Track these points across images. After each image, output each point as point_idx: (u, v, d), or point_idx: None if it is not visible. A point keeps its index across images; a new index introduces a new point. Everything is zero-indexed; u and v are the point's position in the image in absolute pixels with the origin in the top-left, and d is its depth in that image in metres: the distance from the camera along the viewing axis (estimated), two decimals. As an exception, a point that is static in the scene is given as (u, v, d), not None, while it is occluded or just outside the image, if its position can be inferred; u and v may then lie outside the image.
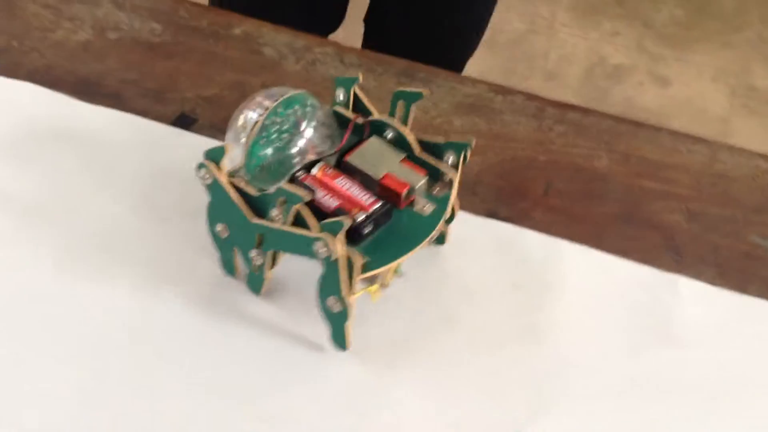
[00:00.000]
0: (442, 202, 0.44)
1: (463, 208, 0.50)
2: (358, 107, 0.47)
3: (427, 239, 0.42)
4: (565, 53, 1.74)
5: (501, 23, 1.76)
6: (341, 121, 0.47)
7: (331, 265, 0.38)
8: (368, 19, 0.95)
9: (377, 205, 0.42)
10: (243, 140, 0.44)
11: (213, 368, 0.41)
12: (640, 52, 1.76)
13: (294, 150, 0.45)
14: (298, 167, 0.44)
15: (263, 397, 0.40)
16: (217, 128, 0.52)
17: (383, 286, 0.41)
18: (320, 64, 0.59)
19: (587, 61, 1.73)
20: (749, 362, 0.44)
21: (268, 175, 0.44)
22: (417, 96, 0.45)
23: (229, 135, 0.45)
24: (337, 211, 0.41)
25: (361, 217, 0.41)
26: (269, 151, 0.44)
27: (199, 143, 0.50)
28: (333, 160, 0.45)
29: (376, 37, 0.95)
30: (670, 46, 1.78)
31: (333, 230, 0.37)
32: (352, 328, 0.41)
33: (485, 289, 0.46)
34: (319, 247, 0.37)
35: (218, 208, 0.42)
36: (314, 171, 0.44)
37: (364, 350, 0.42)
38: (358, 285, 0.39)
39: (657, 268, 0.49)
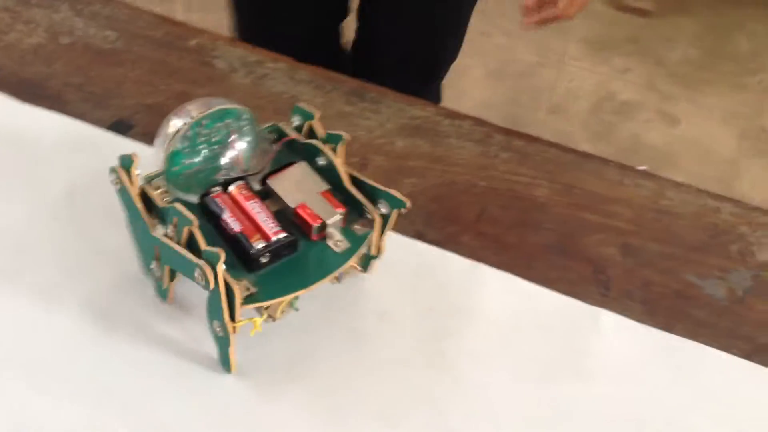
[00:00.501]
0: (358, 240, 0.42)
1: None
2: (312, 137, 0.46)
3: (329, 277, 0.41)
4: (573, 87, 1.73)
5: (511, 54, 1.76)
6: (279, 138, 0.46)
7: (213, 291, 0.37)
8: (361, 12, 0.97)
9: (281, 236, 0.40)
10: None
11: (101, 375, 0.40)
12: (650, 90, 1.75)
13: (222, 163, 0.45)
14: (217, 182, 0.43)
15: (147, 407, 0.40)
16: (153, 135, 0.52)
17: (271, 317, 0.40)
18: (269, 79, 0.59)
19: (595, 95, 1.72)
20: (661, 400, 0.43)
21: (194, 184, 0.44)
22: (338, 138, 0.44)
23: (158, 140, 0.45)
24: (238, 236, 0.40)
25: (259, 246, 0.40)
26: (196, 160, 0.44)
27: (131, 149, 0.50)
28: (257, 180, 0.44)
29: (368, 29, 0.97)
30: (681, 86, 1.77)
31: (211, 260, 0.36)
32: (234, 353, 0.40)
33: (399, 311, 0.46)
34: (198, 275, 0.37)
35: (129, 214, 0.42)
36: (231, 189, 0.43)
37: (256, 371, 0.42)
38: (243, 313, 0.38)
39: (582, 300, 0.48)
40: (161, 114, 0.55)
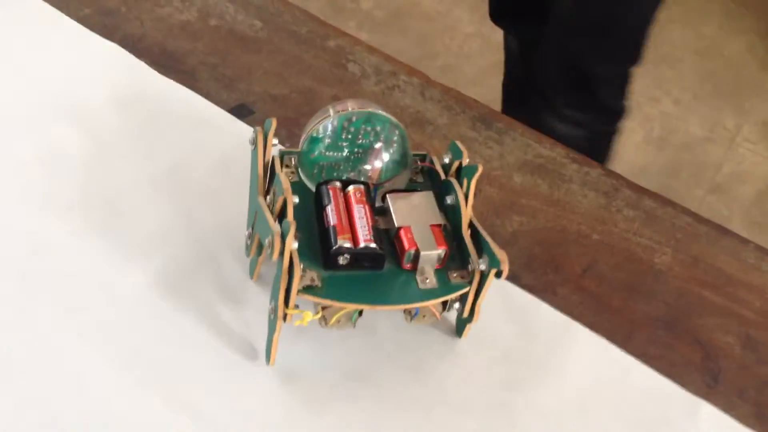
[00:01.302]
0: (448, 287, 0.39)
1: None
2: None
3: (400, 307, 0.38)
4: (741, 170, 1.61)
5: (678, 124, 1.66)
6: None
7: (277, 266, 0.36)
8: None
9: (370, 245, 0.38)
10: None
11: (152, 346, 0.40)
12: (828, 190, 1.60)
13: (359, 166, 0.43)
14: (342, 178, 0.42)
15: (184, 385, 0.38)
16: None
17: (324, 320, 0.38)
18: (399, 91, 0.57)
19: (763, 183, 1.59)
20: None
21: (325, 176, 0.43)
22: (473, 170, 0.41)
23: (308, 123, 0.44)
24: (329, 229, 0.39)
25: (344, 245, 0.38)
26: (334, 154, 0.42)
27: (246, 133, 0.50)
28: (380, 194, 0.42)
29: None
30: None
31: (284, 230, 0.35)
32: (277, 343, 0.38)
33: (473, 351, 0.42)
34: (268, 241, 0.35)
35: (251, 177, 0.41)
36: (350, 188, 0.41)
37: (301, 375, 0.40)
38: (301, 306, 0.37)
39: (683, 386, 0.42)
40: (283, 105, 0.55)
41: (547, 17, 0.99)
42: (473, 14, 1.76)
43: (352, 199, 0.40)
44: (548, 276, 0.47)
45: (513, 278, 0.46)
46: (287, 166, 0.43)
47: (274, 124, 0.40)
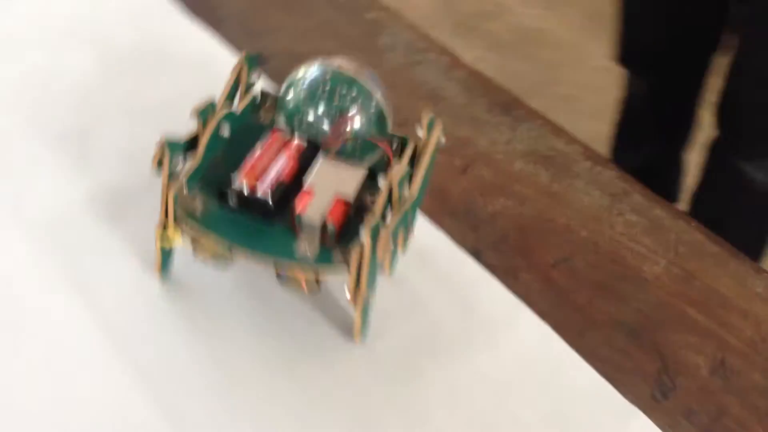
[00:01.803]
0: (320, 263, 0.36)
1: (450, 231, 0.44)
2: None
3: (262, 259, 0.36)
4: None
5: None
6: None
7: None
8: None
9: (262, 196, 0.37)
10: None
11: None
12: None
13: (324, 126, 0.41)
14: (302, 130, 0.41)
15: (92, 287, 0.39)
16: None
17: (194, 251, 0.37)
18: (423, 68, 0.57)
19: None
20: None
21: (297, 125, 0.42)
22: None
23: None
24: (240, 167, 0.38)
25: (239, 188, 0.37)
26: (309, 108, 0.41)
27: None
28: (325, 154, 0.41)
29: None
30: None
31: (170, 142, 0.36)
32: (158, 255, 0.38)
33: (402, 312, 0.40)
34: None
35: None
36: (292, 141, 0.40)
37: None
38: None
39: (622, 393, 0.39)
40: (299, 62, 0.55)
41: (690, 66, 0.96)
42: (605, 48, 1.71)
43: (283, 151, 0.40)
44: (514, 260, 0.44)
45: (475, 254, 0.44)
46: (264, 100, 0.43)
47: (261, 61, 0.40)
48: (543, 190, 0.49)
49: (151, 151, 0.37)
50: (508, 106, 0.54)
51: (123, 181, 0.44)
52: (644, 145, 1.18)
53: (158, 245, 0.38)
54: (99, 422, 0.34)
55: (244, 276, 0.41)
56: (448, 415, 0.36)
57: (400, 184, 0.36)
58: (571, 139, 0.53)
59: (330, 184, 0.38)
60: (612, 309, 0.43)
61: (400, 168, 0.37)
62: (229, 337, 0.38)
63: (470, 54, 1.70)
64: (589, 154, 0.52)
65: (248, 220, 0.37)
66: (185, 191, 0.36)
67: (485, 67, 0.55)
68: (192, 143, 0.38)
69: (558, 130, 0.53)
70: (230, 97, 0.41)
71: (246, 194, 0.37)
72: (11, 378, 0.35)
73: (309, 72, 0.42)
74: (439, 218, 0.46)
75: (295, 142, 0.40)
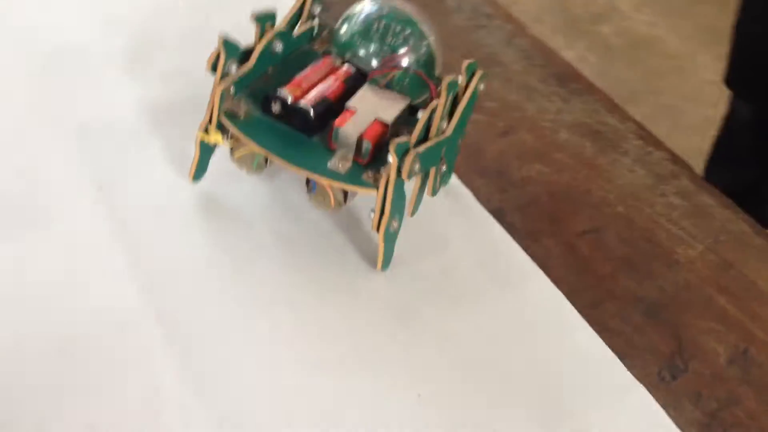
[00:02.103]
0: (350, 178, 0.36)
1: (477, 189, 0.44)
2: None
3: (296, 169, 0.36)
4: None
5: None
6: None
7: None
8: None
9: (303, 105, 0.37)
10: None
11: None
12: None
13: (374, 63, 0.41)
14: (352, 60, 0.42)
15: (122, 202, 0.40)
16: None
17: (233, 151, 0.38)
18: (485, 32, 0.56)
19: None
20: None
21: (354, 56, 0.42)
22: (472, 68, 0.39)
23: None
24: (287, 81, 0.39)
25: (283, 95, 0.37)
26: (362, 44, 0.41)
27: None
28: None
29: None
30: None
31: (227, 46, 0.36)
32: (196, 159, 0.39)
33: (411, 256, 0.40)
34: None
35: None
36: (342, 66, 0.41)
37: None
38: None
39: (627, 367, 0.37)
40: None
41: None
42: (714, 63, 1.64)
43: (332, 73, 0.40)
44: (538, 224, 0.43)
45: (497, 213, 0.43)
46: (321, 36, 0.43)
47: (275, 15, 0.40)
48: (584, 162, 0.47)
49: (205, 73, 0.38)
50: (566, 78, 0.53)
51: (173, 97, 0.46)
52: (741, 168, 1.13)
53: (198, 143, 0.39)
54: (100, 320, 0.35)
55: (276, 194, 0.41)
56: (437, 357, 0.35)
57: (438, 118, 0.36)
58: (626, 117, 0.51)
59: (371, 107, 0.38)
60: (634, 285, 0.41)
61: (439, 102, 0.36)
62: (252, 250, 0.38)
63: (571, 53, 1.66)
64: (643, 134, 0.50)
65: (288, 131, 0.37)
66: (232, 90, 0.37)
67: (585, 68, 0.53)
68: (246, 55, 0.39)
69: (613, 106, 0.51)
70: (291, 24, 0.42)
71: (289, 103, 0.37)
72: (20, 261, 0.37)
73: (365, 7, 0.42)
74: (468, 175, 0.45)
75: (345, 68, 0.40)
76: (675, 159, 0.48)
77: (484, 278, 0.39)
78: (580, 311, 0.39)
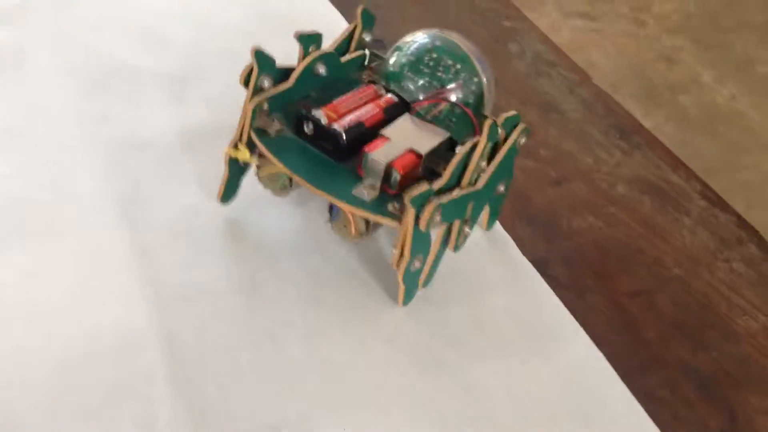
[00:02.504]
0: (374, 208, 0.33)
1: (521, 236, 0.41)
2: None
3: (319, 192, 0.34)
4: None
5: None
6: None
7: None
8: None
9: (336, 128, 0.35)
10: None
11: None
12: None
13: (424, 92, 0.40)
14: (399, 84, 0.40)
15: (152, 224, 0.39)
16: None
17: (258, 169, 0.37)
18: (547, 79, 0.54)
19: None
20: None
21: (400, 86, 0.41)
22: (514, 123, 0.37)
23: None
24: (326, 105, 0.37)
25: (317, 116, 0.35)
26: (412, 76, 0.40)
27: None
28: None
29: None
30: None
31: (259, 57, 0.36)
32: (225, 179, 0.37)
33: (445, 293, 0.37)
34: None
35: None
36: (385, 94, 0.40)
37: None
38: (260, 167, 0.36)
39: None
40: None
41: None
42: (802, 141, 1.57)
43: (373, 101, 0.38)
44: (584, 279, 0.40)
45: (541, 264, 0.40)
46: (370, 68, 0.42)
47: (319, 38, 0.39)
48: (641, 219, 0.44)
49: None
50: (628, 130, 0.50)
51: (214, 121, 0.45)
52: None
53: (226, 160, 0.37)
54: (104, 340, 0.33)
55: (303, 223, 0.40)
56: (460, 412, 0.32)
57: (476, 158, 0.34)
58: (691, 175, 0.47)
59: (407, 137, 0.36)
60: (686, 354, 0.37)
61: (480, 141, 0.34)
62: (272, 279, 0.37)
63: (648, 121, 1.62)
64: (709, 194, 0.46)
65: (318, 155, 0.36)
66: (265, 107, 0.36)
67: (662, 138, 0.51)
68: (285, 75, 0.37)
69: (677, 163, 0.48)
70: (339, 51, 0.40)
71: (322, 124, 0.35)
72: (36, 267, 0.36)
73: (418, 38, 0.40)
74: (513, 222, 0.42)
75: (387, 96, 0.39)
76: (742, 224, 0.45)
77: (520, 331, 0.36)
78: (622, 376, 0.35)
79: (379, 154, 0.34)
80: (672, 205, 0.45)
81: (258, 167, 0.37)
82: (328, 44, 0.40)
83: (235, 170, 0.38)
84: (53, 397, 0.31)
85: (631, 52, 1.79)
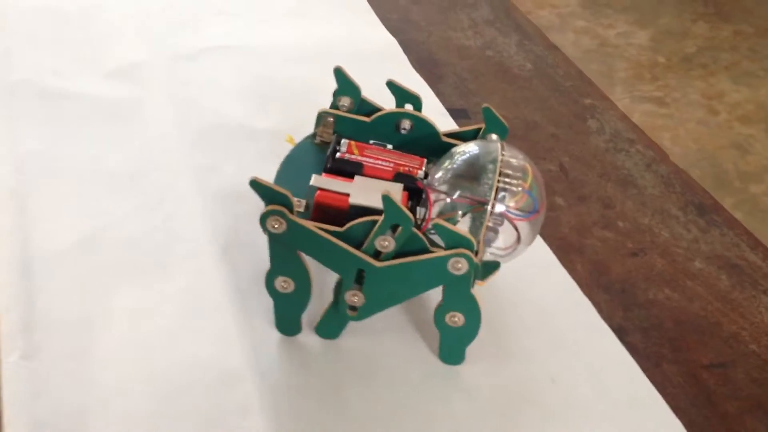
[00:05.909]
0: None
1: (599, 303, 0.42)
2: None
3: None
4: None
5: None
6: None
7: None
8: None
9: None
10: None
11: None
12: None
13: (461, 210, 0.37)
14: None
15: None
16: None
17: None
18: (625, 155, 0.55)
19: None
20: None
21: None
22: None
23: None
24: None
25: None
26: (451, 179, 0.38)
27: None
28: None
29: None
30: None
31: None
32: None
33: (517, 360, 0.38)
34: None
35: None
36: (414, 168, 0.39)
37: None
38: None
39: None
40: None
41: None
42: None
43: (401, 166, 0.39)
44: (661, 349, 0.41)
45: (618, 331, 0.41)
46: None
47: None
48: (718, 294, 0.45)
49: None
50: (706, 208, 0.51)
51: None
52: None
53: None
54: (201, 374, 0.35)
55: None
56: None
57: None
58: (742, 238, 0.48)
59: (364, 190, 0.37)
60: (764, 429, 0.37)
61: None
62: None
63: (718, 209, 1.60)
64: (748, 239, 0.47)
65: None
66: (330, 120, 0.39)
67: None
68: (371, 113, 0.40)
69: (756, 243, 0.49)
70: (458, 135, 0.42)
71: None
72: (145, 304, 0.38)
73: (470, 148, 0.39)
74: (592, 289, 0.43)
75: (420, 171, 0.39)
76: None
77: (595, 393, 0.37)
78: (699, 448, 0.36)
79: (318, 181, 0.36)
80: (750, 283, 0.46)
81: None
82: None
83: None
84: (153, 424, 0.33)
85: (703, 139, 1.79)
